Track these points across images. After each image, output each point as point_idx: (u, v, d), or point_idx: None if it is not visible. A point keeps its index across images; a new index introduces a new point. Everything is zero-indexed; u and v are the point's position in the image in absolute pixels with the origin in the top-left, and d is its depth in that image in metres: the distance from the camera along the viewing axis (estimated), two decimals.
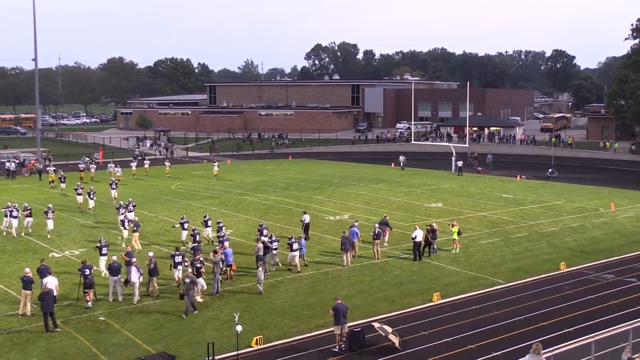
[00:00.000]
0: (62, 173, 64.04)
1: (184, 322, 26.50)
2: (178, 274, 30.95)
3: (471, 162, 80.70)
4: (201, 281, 29.33)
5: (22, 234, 42.20)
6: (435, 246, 37.33)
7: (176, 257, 31.24)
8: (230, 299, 29.44)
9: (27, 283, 27.31)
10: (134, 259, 29.85)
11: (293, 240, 34.06)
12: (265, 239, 34.34)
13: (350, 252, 35.47)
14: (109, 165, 75.09)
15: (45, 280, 27.03)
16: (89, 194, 50.64)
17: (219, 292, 29.96)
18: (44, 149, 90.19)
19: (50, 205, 43.65)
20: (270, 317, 27.16)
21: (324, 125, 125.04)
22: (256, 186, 64.21)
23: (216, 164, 74.25)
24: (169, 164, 77.18)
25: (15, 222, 42.31)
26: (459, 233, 38.07)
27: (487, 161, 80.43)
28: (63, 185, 60.80)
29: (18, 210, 43.09)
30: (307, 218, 41.43)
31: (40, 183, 68.08)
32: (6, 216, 42.58)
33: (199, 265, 29.83)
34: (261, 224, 38.65)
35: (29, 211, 43.39)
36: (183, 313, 27.04)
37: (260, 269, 30.65)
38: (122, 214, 42.12)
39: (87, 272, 28.30)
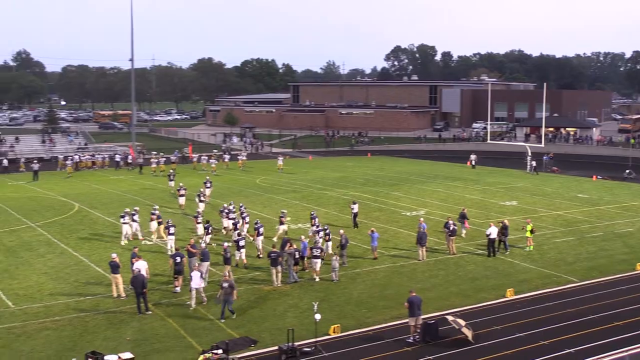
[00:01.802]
0: (172, 170, 62.53)
1: (266, 308, 26.80)
2: (241, 256, 32.69)
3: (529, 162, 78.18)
4: (318, 262, 30.86)
5: (154, 238, 38.45)
6: (507, 243, 36.67)
7: (240, 241, 32.94)
8: (309, 288, 29.64)
9: (114, 267, 28.12)
10: (196, 264, 28.78)
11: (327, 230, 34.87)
12: (314, 228, 36.56)
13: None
14: (201, 157, 77.40)
15: (136, 264, 27.84)
16: (198, 196, 46.82)
17: (297, 281, 30.28)
18: (138, 143, 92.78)
19: (200, 210, 42.74)
20: (348, 307, 27.21)
21: (402, 124, 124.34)
22: (336, 181, 64.40)
23: (280, 158, 75.96)
24: (244, 157, 78.70)
25: (136, 225, 38.76)
26: (532, 231, 37.24)
27: (545, 161, 77.37)
28: (171, 184, 57.50)
29: (137, 213, 39.46)
30: (355, 207, 42.58)
31: (136, 175, 70.09)
32: (124, 222, 38.22)
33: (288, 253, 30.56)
34: (312, 212, 39.97)
35: (156, 215, 39.26)
36: (219, 318, 25.37)
37: (334, 257, 31.13)
38: (232, 218, 39.72)
39: (178, 259, 28.98)
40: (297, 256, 31.27)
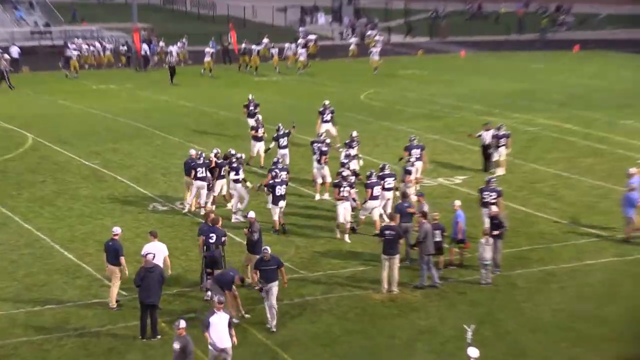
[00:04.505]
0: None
1: (377, 334, 26.60)
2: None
3: None
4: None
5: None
6: None
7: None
8: (457, 298, 29.49)
9: (112, 252, 28.20)
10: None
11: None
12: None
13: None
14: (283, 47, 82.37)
15: (146, 247, 28.02)
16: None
17: (435, 286, 30.18)
18: (143, 25, 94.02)
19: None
20: (531, 335, 26.87)
21: None
22: (511, 98, 64.00)
23: (375, 51, 78.77)
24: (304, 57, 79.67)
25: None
26: None
27: None
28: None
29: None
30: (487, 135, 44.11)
31: (149, 80, 71.57)
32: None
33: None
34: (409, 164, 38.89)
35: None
36: None
37: (483, 240, 30.22)
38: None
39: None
40: (439, 239, 30.82)
